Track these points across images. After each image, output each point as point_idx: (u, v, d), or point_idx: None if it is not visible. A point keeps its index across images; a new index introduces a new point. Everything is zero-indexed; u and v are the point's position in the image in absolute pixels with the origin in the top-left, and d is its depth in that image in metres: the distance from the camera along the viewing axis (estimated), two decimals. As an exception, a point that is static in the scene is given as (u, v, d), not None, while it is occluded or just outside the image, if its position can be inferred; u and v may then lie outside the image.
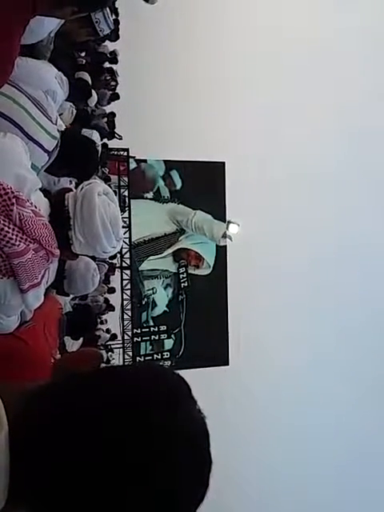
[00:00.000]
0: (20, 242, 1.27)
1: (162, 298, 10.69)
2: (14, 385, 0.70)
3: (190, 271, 10.65)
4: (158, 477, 0.58)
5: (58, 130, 2.16)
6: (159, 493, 0.59)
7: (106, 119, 7.71)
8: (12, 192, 1.23)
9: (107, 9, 2.33)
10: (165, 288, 10.71)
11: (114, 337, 9.67)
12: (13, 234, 1.24)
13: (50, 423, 0.61)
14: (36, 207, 1.35)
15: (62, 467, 0.59)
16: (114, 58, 7.93)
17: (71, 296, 4.07)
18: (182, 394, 0.65)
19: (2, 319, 1.47)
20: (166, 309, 10.68)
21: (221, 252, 10.87)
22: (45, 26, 2.40)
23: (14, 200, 1.22)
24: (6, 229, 1.23)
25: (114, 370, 0.75)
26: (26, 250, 1.30)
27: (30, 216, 1.28)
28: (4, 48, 1.20)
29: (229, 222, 10.83)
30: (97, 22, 2.56)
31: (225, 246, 10.89)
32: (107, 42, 7.16)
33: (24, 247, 1.29)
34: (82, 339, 4.82)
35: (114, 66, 8.12)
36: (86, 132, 2.35)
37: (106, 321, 9.26)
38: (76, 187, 2.07)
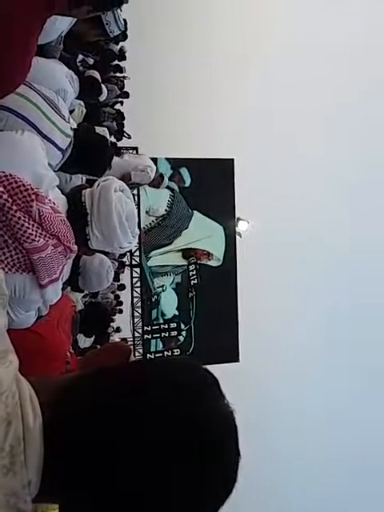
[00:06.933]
0: (39, 237, 1.30)
1: (171, 294, 10.72)
2: (46, 377, 0.73)
3: (200, 262, 10.64)
4: (181, 469, 0.60)
5: (71, 129, 2.18)
6: (184, 485, 0.60)
7: (114, 122, 7.72)
8: (32, 189, 1.25)
9: (118, 10, 2.33)
10: (174, 285, 10.73)
11: (118, 330, 9.74)
12: (33, 230, 1.27)
13: (81, 414, 0.63)
14: (54, 204, 1.38)
15: (92, 453, 0.61)
16: (122, 55, 7.95)
17: (82, 293, 4.10)
18: (209, 386, 0.66)
19: (21, 314, 1.50)
20: (176, 306, 10.71)
21: (230, 242, 10.81)
22: (56, 27, 2.43)
23: (33, 196, 1.25)
24: (26, 225, 1.25)
25: (143, 364, 0.77)
26: (46, 246, 1.32)
27: (49, 212, 1.31)
28: (23, 46, 1.22)
29: (238, 219, 10.81)
30: (107, 23, 2.56)
31: (233, 236, 10.83)
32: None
33: (43, 243, 1.31)
34: (93, 336, 4.85)
35: (122, 63, 8.14)
36: (98, 130, 2.36)
37: (113, 319, 9.29)
38: (88, 185, 2.10)
